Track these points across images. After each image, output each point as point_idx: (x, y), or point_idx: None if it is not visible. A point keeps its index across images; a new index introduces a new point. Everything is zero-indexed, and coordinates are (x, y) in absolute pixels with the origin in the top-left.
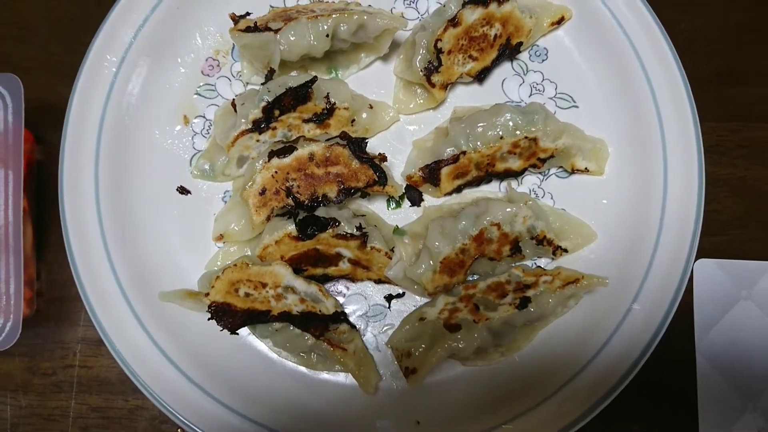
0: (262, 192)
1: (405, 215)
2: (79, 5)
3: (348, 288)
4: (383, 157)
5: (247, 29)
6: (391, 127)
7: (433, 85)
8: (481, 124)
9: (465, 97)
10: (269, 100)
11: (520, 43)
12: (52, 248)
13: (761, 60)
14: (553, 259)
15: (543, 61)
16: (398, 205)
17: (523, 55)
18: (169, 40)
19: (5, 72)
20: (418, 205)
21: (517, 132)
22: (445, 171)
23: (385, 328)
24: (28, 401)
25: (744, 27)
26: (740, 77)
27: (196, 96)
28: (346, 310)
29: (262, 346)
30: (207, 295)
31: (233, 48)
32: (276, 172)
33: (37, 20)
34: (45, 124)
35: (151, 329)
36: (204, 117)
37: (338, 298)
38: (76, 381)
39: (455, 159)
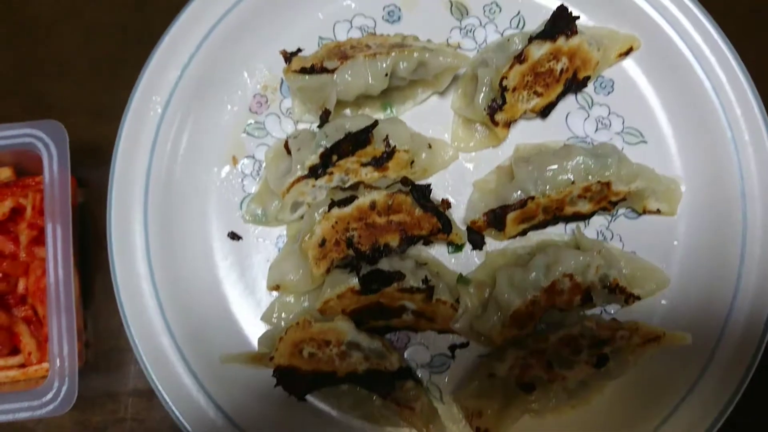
0: (322, 243)
1: (466, 259)
2: (117, 42)
3: (409, 338)
4: (447, 204)
5: (302, 70)
6: (449, 166)
7: (496, 124)
8: (551, 168)
9: (527, 132)
10: (327, 146)
11: (588, 77)
12: (98, 296)
13: None
14: (623, 306)
15: (609, 93)
16: (459, 249)
17: (588, 88)
18: (215, 77)
19: (43, 115)
20: (480, 249)
21: (590, 177)
22: (510, 216)
23: (448, 378)
24: None
25: None
26: None
27: (244, 135)
28: (409, 361)
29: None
30: (272, 358)
31: (282, 83)
32: (336, 222)
33: (73, 57)
34: (85, 165)
35: (207, 385)
36: (253, 157)
37: (399, 349)
38: None
39: (522, 204)
